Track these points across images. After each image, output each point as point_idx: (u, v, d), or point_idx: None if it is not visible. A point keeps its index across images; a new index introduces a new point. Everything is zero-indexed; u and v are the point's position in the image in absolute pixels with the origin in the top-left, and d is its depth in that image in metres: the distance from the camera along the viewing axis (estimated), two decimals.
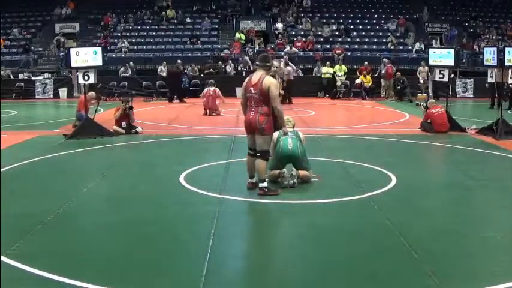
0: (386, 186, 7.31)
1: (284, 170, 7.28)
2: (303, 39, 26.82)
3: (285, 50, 25.58)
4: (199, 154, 9.92)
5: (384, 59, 23.33)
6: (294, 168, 7.34)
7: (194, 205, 6.55)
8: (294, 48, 25.69)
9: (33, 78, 23.88)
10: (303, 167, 7.38)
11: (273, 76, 7.92)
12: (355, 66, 23.84)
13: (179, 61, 22.46)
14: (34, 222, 5.69)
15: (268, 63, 6.97)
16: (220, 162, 8.64)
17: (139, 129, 12.51)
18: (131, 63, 24.18)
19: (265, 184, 6.82)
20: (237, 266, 4.72)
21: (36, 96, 23.01)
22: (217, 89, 16.60)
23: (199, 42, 27.29)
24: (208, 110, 16.38)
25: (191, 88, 22.86)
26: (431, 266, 4.49)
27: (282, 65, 18.38)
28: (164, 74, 22.80)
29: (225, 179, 7.77)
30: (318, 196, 6.87)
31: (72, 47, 13.62)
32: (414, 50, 26.45)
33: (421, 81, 21.87)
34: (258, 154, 6.79)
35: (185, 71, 22.87)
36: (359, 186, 7.31)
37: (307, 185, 7.32)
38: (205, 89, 16.83)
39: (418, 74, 22.08)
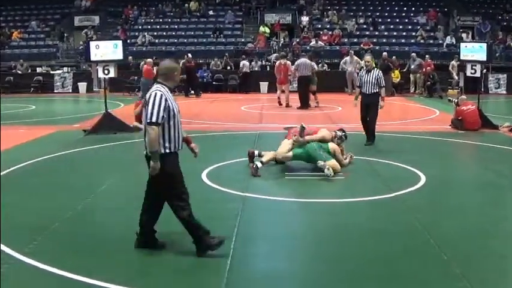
0: (415, 185, 7.15)
1: None
2: (330, 33, 26.31)
3: (311, 43, 25.19)
4: (222, 150, 9.66)
5: (413, 54, 22.73)
6: (320, 161, 7.47)
7: (217, 203, 6.45)
8: (320, 42, 25.23)
9: (52, 72, 23.63)
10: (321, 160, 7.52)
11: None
12: None
13: (189, 55, 21.82)
14: (52, 219, 5.66)
15: None
16: (244, 159, 8.41)
17: None
18: (154, 57, 24.06)
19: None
20: (260, 265, 4.67)
21: (55, 91, 22.78)
22: (288, 62, 17.06)
23: (222, 35, 26.99)
24: (280, 87, 16.36)
25: (214, 83, 22.73)
26: (461, 268, 4.41)
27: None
28: None
29: (249, 176, 7.60)
30: (344, 195, 6.81)
31: (92, 40, 13.46)
32: (445, 44, 25.78)
33: (455, 76, 21.30)
34: None
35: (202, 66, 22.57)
36: (387, 185, 7.19)
37: (334, 183, 7.25)
38: (277, 62, 17.31)
39: (450, 68, 21.49)
